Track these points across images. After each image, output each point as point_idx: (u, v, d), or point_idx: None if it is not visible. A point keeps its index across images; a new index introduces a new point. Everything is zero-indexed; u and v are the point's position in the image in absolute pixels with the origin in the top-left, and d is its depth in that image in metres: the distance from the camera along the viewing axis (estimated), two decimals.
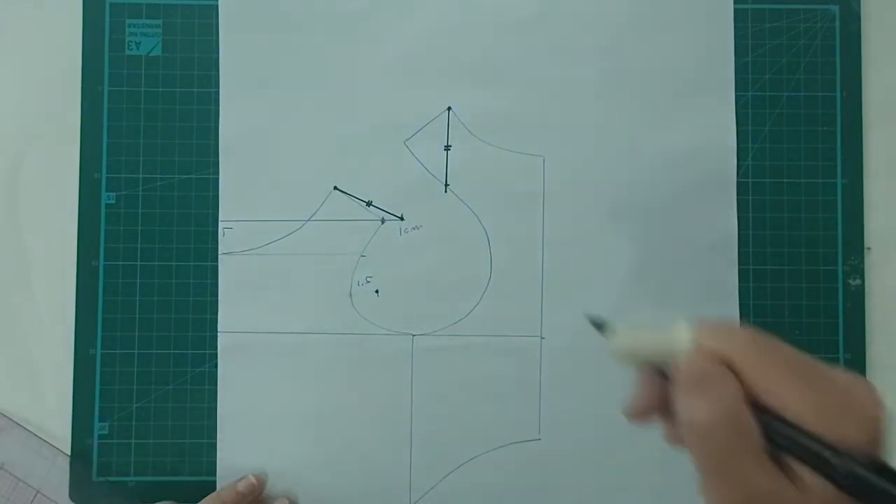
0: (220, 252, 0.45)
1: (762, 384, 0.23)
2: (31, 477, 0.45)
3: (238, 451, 0.45)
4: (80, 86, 0.46)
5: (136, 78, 0.46)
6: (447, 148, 0.46)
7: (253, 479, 0.43)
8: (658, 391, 0.25)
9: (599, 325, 0.26)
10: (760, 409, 0.23)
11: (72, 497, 0.45)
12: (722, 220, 0.46)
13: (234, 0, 0.46)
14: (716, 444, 0.23)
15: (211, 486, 0.45)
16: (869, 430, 0.23)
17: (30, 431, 0.45)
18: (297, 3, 0.46)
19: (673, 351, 0.24)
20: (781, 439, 0.23)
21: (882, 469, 0.22)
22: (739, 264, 0.46)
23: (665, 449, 0.45)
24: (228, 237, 0.45)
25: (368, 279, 0.45)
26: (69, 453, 0.45)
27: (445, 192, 0.45)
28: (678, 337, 0.24)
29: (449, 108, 0.46)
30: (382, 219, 0.46)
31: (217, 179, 0.46)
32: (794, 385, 0.23)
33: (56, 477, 0.45)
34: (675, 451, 0.46)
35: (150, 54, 0.46)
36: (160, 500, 0.44)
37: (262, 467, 0.45)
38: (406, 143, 0.46)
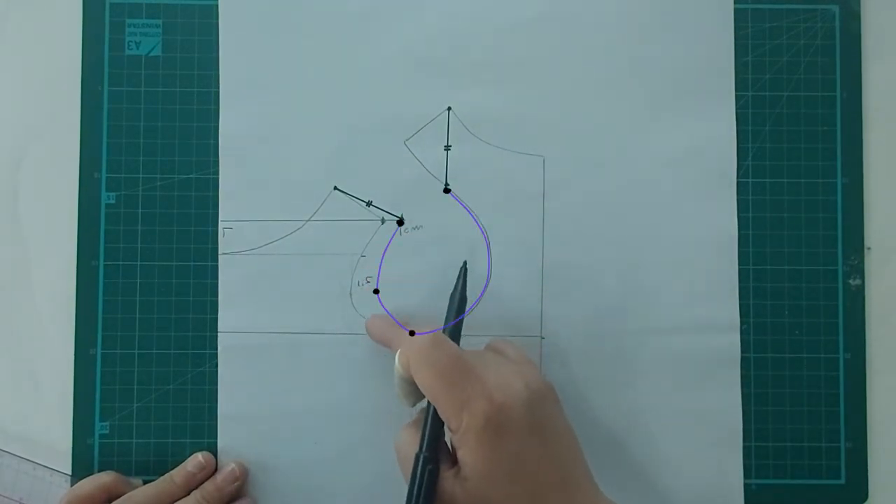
0: (220, 252, 0.45)
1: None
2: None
3: (238, 451, 0.45)
4: (80, 86, 0.46)
5: (136, 78, 0.46)
6: (447, 148, 0.46)
7: (201, 458, 0.44)
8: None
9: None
10: None
11: None
12: (722, 220, 0.46)
13: (234, 0, 0.46)
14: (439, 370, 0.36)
15: None
16: (469, 420, 0.34)
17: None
18: (298, 3, 0.46)
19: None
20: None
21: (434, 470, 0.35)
22: (739, 264, 0.46)
23: (665, 450, 0.45)
24: (228, 237, 0.45)
25: (368, 279, 0.45)
26: (70, 453, 0.45)
27: (445, 192, 0.45)
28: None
29: (449, 108, 0.46)
30: (382, 219, 0.46)
31: (217, 179, 0.46)
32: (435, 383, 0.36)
33: (57, 479, 0.45)
34: (675, 452, 0.46)
35: (150, 54, 0.46)
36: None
37: (262, 467, 0.45)
38: (406, 143, 0.46)
